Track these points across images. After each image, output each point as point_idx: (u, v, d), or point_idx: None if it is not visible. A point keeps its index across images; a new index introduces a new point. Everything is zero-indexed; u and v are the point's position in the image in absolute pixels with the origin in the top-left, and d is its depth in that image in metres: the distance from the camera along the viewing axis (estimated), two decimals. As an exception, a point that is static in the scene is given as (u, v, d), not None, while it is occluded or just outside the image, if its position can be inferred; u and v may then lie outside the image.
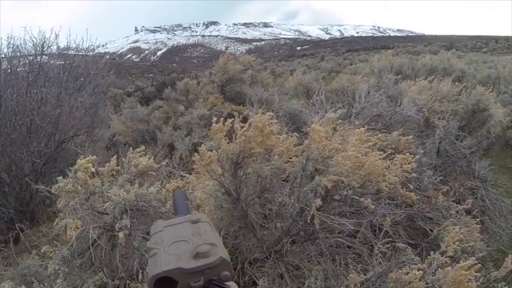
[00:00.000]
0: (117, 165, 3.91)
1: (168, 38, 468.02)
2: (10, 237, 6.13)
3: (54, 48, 8.77)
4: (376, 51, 60.68)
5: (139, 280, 3.36)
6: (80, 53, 9.55)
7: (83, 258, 3.64)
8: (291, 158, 4.01)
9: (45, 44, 8.37)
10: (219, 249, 0.95)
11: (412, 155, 4.29)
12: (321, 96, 6.23)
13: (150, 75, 70.78)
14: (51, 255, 3.53)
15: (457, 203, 4.62)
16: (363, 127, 4.42)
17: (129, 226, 3.32)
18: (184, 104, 16.26)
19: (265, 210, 4.00)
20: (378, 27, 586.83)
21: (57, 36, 8.60)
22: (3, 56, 8.26)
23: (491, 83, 13.61)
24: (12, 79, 7.66)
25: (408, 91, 7.99)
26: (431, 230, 4.29)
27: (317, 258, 3.81)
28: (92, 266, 3.73)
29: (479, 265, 3.28)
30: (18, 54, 8.41)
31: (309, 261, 3.86)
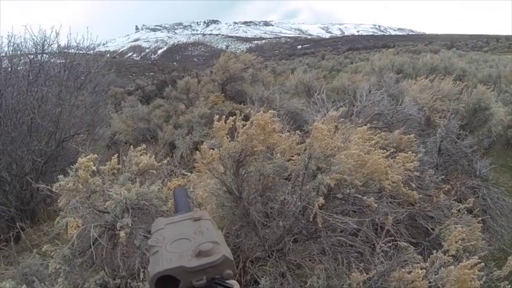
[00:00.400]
0: (118, 163, 3.90)
1: (169, 37, 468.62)
2: (11, 236, 6.13)
3: (54, 46, 8.76)
4: (376, 50, 60.75)
5: (141, 279, 3.35)
6: (81, 52, 9.54)
7: (83, 257, 3.63)
8: (292, 156, 4.00)
9: (45, 42, 8.35)
10: (221, 247, 0.94)
11: (415, 154, 4.29)
12: (322, 94, 6.22)
13: (151, 73, 70.75)
14: (52, 254, 3.52)
15: (458, 202, 4.62)
16: (365, 125, 4.42)
17: (130, 225, 3.31)
18: (185, 102, 16.24)
19: (267, 208, 4.00)
20: (379, 26, 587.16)
21: (57, 34, 8.59)
22: (3, 54, 8.25)
23: (492, 82, 13.62)
24: (12, 77, 7.64)
25: (409, 90, 8.00)
26: (433, 229, 4.29)
27: (319, 257, 3.81)
28: (93, 264, 3.72)
29: (482, 264, 3.28)
30: (19, 52, 8.40)
31: (310, 260, 3.86)
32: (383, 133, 4.95)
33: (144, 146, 4.28)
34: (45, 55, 8.53)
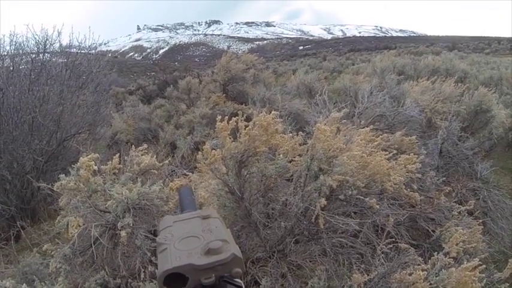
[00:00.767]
0: (119, 163, 3.90)
1: (170, 37, 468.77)
2: (11, 234, 6.13)
3: (56, 46, 8.76)
4: (378, 51, 60.81)
5: (141, 279, 3.35)
6: (83, 51, 9.54)
7: (84, 257, 3.63)
8: (294, 157, 4.00)
9: (47, 41, 8.36)
10: (231, 245, 0.94)
11: (416, 155, 4.29)
12: (324, 96, 6.23)
13: (152, 73, 70.87)
14: (52, 253, 3.52)
15: (459, 204, 4.62)
16: (367, 127, 4.42)
17: (131, 225, 3.31)
18: (186, 102, 16.25)
19: (268, 209, 4.00)
20: (380, 28, 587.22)
21: (59, 34, 8.59)
22: (5, 53, 8.25)
23: (493, 84, 13.60)
24: (14, 76, 7.64)
25: (411, 91, 8.00)
26: (434, 231, 4.29)
27: (320, 258, 3.81)
28: (93, 264, 3.72)
29: (483, 266, 3.28)
30: (21, 51, 8.40)
31: (311, 261, 3.86)
32: (385, 135, 4.96)
33: (145, 146, 4.28)
34: (47, 54, 8.53)
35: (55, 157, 8.06)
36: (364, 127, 4.67)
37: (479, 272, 3.21)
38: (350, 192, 3.62)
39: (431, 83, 8.36)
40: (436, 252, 3.48)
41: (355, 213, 3.92)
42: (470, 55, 37.24)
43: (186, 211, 1.20)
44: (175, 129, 12.40)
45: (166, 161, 4.40)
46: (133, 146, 4.30)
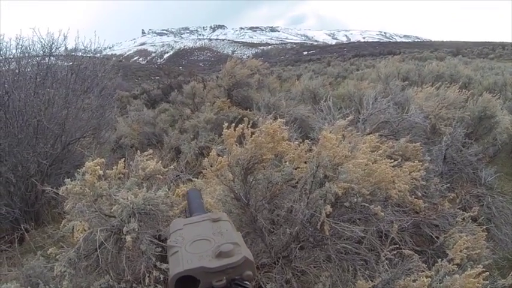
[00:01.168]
0: (125, 168, 3.91)
1: (175, 41, 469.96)
2: (15, 237, 6.14)
3: (62, 49, 8.80)
4: (382, 56, 60.72)
5: (146, 283, 3.35)
6: (88, 55, 9.58)
7: (89, 261, 3.64)
8: (300, 164, 4.01)
9: (53, 45, 8.40)
10: (242, 248, 0.95)
11: (421, 163, 4.29)
12: (328, 102, 6.23)
13: (157, 78, 71.02)
14: (57, 256, 3.53)
15: (463, 210, 4.62)
16: (371, 133, 4.43)
17: (136, 229, 3.32)
18: (190, 107, 16.28)
19: (274, 215, 4.01)
20: (385, 33, 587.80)
21: (65, 37, 8.64)
22: (11, 56, 8.29)
23: (497, 89, 13.60)
24: (20, 80, 7.68)
25: (415, 98, 7.99)
26: (438, 237, 4.28)
27: (325, 264, 3.81)
28: (98, 268, 3.73)
29: (487, 273, 3.28)
30: (27, 55, 8.44)
31: (316, 267, 3.86)
32: (389, 142, 4.96)
33: (151, 151, 4.29)
34: (52, 58, 8.57)
35: (59, 160, 8.10)
36: (369, 134, 4.68)
37: (483, 279, 3.21)
38: (355, 200, 3.62)
39: (435, 89, 8.34)
40: (440, 259, 3.48)
41: (359, 219, 3.92)
42: (474, 60, 37.15)
43: (195, 214, 1.21)
44: (180, 134, 12.44)
45: (171, 166, 4.41)
46: (138, 150, 4.31)
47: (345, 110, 6.31)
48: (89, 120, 8.88)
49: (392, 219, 3.93)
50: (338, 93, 13.64)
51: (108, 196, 3.63)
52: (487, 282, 3.32)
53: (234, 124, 3.68)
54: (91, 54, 9.72)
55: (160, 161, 4.21)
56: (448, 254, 3.56)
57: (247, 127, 3.67)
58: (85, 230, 3.43)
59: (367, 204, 3.60)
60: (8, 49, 8.26)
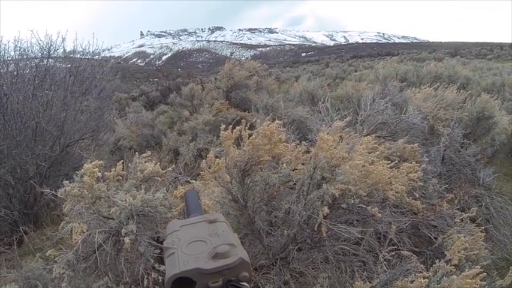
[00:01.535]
0: (123, 170, 3.91)
1: (174, 43, 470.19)
2: (14, 239, 6.13)
3: (60, 51, 8.79)
4: (380, 57, 60.85)
5: (144, 285, 3.36)
6: (86, 57, 9.57)
7: (87, 263, 3.64)
8: (297, 165, 4.01)
9: (51, 47, 8.40)
10: (238, 249, 0.95)
11: (418, 164, 4.30)
12: (327, 103, 6.23)
13: (155, 79, 71.08)
14: (56, 258, 3.53)
15: (461, 211, 4.61)
16: (369, 135, 4.43)
17: (135, 231, 3.32)
18: (189, 109, 16.26)
19: (271, 217, 4.01)
20: (383, 34, 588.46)
21: (63, 39, 8.63)
22: (10, 58, 8.28)
23: (496, 90, 13.60)
24: (18, 82, 7.67)
25: (413, 99, 7.98)
26: (436, 238, 4.29)
27: (322, 265, 3.82)
28: (97, 270, 3.73)
29: (485, 273, 3.28)
30: (25, 57, 8.43)
31: (314, 269, 3.87)
32: (387, 142, 4.96)
33: (149, 153, 4.29)
34: (51, 60, 8.57)
35: (58, 162, 8.09)
36: (366, 135, 4.69)
37: (481, 280, 3.22)
38: (352, 201, 3.63)
39: (433, 89, 8.34)
40: (438, 260, 3.49)
41: (357, 221, 3.92)
42: (472, 61, 37.17)
43: (193, 215, 1.21)
44: (178, 136, 12.41)
45: (170, 168, 4.41)
46: (136, 152, 4.31)
47: (343, 111, 6.31)
48: (88, 122, 8.87)
49: (390, 220, 3.93)
50: (336, 95, 13.63)
51: (106, 198, 3.63)
52: (485, 283, 3.32)
53: (231, 126, 3.69)
54: (89, 56, 9.71)
55: (159, 163, 4.21)
56: (446, 254, 3.57)
57: (245, 129, 3.68)
58: (83, 232, 3.43)
59: (364, 206, 3.60)
60: (6, 51, 8.25)
